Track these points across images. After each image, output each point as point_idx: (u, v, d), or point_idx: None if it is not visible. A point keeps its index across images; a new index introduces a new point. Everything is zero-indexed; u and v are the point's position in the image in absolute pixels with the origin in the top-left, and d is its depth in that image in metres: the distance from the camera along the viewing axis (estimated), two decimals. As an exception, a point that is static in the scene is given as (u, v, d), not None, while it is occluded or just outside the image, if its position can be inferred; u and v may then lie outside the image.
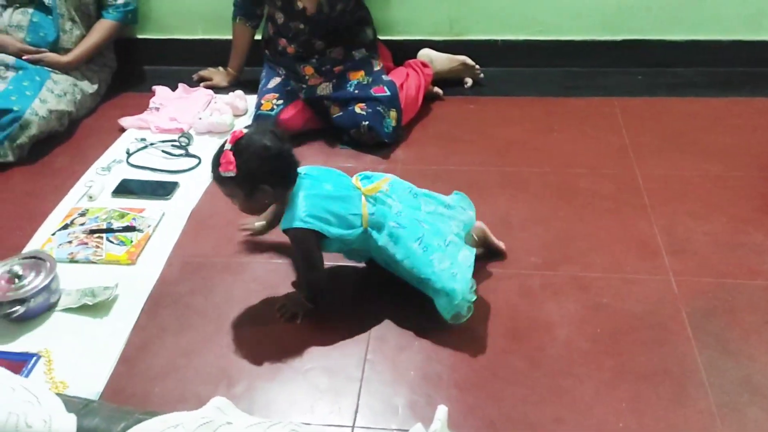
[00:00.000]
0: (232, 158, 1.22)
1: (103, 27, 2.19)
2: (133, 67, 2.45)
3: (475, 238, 1.45)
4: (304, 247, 1.31)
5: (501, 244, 1.49)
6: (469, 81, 2.25)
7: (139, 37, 2.45)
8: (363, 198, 1.32)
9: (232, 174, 1.22)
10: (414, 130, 2.01)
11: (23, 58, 2.03)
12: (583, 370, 1.22)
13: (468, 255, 1.32)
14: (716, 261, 1.45)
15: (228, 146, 1.23)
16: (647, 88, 2.16)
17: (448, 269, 1.27)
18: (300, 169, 1.32)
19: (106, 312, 1.39)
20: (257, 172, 1.24)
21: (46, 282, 1.37)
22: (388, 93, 1.92)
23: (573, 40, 2.26)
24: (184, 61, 2.43)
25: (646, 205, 1.62)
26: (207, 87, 2.27)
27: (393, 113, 1.92)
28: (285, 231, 1.29)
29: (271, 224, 1.50)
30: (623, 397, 1.17)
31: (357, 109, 1.90)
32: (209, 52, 2.40)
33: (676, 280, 1.40)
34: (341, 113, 1.93)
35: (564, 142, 1.91)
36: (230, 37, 2.28)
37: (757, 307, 1.34)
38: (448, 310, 1.28)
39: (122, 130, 2.09)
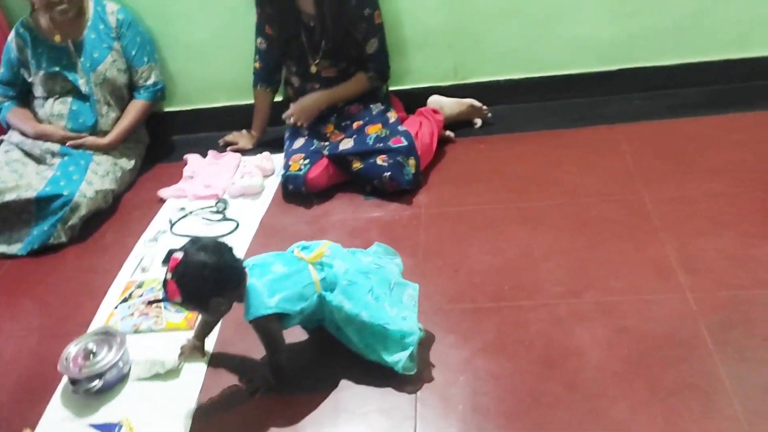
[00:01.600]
0: (175, 287, 1.27)
1: (136, 107, 2.37)
2: (164, 138, 2.62)
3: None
4: (269, 332, 1.38)
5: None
6: (478, 122, 2.39)
7: (167, 110, 2.63)
8: (310, 266, 1.40)
9: (179, 300, 1.29)
10: (432, 174, 2.15)
11: (67, 144, 2.21)
12: (618, 390, 1.33)
13: (412, 293, 1.47)
14: (729, 275, 1.55)
15: (168, 275, 1.28)
16: (646, 112, 2.29)
17: (398, 314, 1.41)
18: (244, 263, 1.39)
19: (176, 376, 1.53)
20: (203, 292, 1.29)
21: (119, 356, 1.50)
22: (406, 143, 2.06)
23: (572, 74, 2.40)
24: (210, 128, 2.62)
25: (657, 228, 1.74)
26: (233, 151, 2.44)
27: (412, 161, 2.06)
28: (251, 321, 1.35)
29: (203, 336, 1.54)
30: (657, 413, 1.27)
31: (378, 161, 2.04)
32: (233, 117, 2.58)
33: (692, 297, 1.51)
34: (363, 166, 2.07)
35: (573, 173, 2.03)
36: (250, 101, 2.46)
37: (771, 315, 1.44)
38: (400, 359, 1.37)
39: (162, 200, 2.25)
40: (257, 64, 2.33)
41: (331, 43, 2.12)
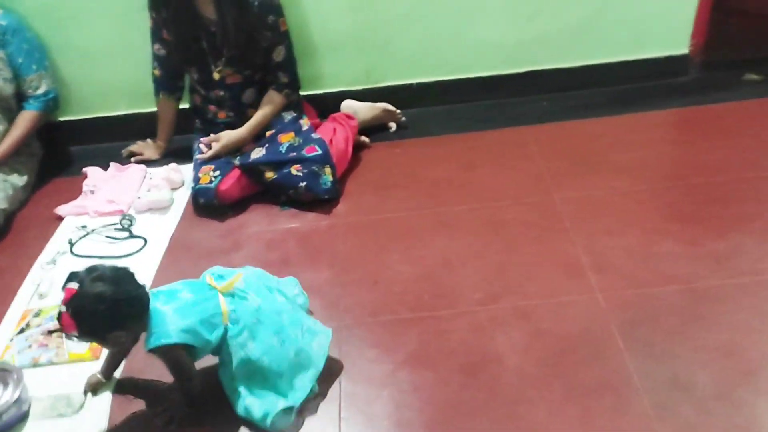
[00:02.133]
0: (70, 320, 1.20)
1: (25, 119, 2.20)
2: (60, 150, 2.45)
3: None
4: (175, 361, 1.29)
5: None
6: (392, 126, 2.39)
7: (62, 119, 2.46)
8: (220, 296, 1.33)
9: (75, 334, 1.22)
10: (348, 182, 2.13)
11: None
12: (535, 393, 1.36)
13: (323, 341, 1.41)
14: (635, 273, 1.63)
15: (62, 308, 1.21)
16: (553, 113, 2.37)
17: (301, 373, 1.36)
18: (151, 291, 1.31)
19: (76, 411, 1.42)
20: (100, 326, 1.23)
21: (17, 395, 1.39)
22: (320, 151, 2.02)
23: (481, 76, 2.44)
24: (111, 138, 2.48)
25: (567, 228, 1.80)
26: (138, 162, 2.31)
27: (328, 169, 2.01)
28: (152, 350, 1.26)
29: (111, 371, 1.47)
30: (573, 413, 1.31)
31: (293, 171, 1.99)
32: (135, 126, 2.45)
33: (602, 296, 1.57)
34: (277, 176, 2.01)
35: (486, 176, 2.07)
36: (154, 108, 2.34)
37: (674, 310, 1.51)
38: (273, 414, 1.30)
39: (60, 218, 2.10)
40: (156, 72, 2.22)
41: (234, 49, 2.05)
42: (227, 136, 2.11)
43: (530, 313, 1.55)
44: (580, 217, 1.83)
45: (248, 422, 1.35)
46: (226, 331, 1.33)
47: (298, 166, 1.99)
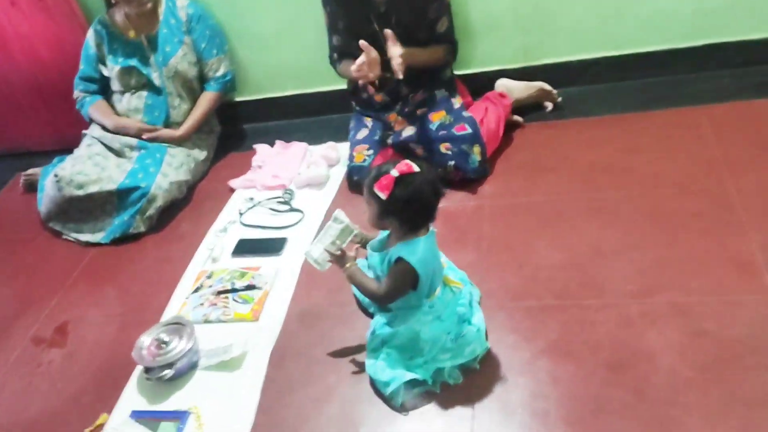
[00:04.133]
0: (391, 184, 1.30)
1: (206, 99, 2.43)
2: (235, 128, 2.68)
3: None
4: (402, 277, 1.37)
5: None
6: (548, 105, 2.30)
7: (238, 99, 2.68)
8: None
9: (382, 196, 1.31)
10: (498, 162, 2.09)
11: (143, 137, 2.30)
12: (690, 399, 1.26)
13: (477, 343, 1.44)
14: (823, 275, 1.43)
15: (394, 173, 1.31)
16: (735, 90, 2.12)
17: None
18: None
19: (239, 367, 1.58)
20: (400, 209, 1.33)
21: (189, 345, 1.57)
22: (470, 130, 2.00)
23: (651, 51, 2.25)
24: (279, 117, 2.66)
25: (742, 221, 1.62)
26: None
27: (477, 149, 2.00)
28: (398, 260, 1.35)
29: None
30: (734, 425, 1.19)
31: (442, 149, 2.00)
32: (301, 106, 2.61)
33: (779, 299, 1.40)
34: (426, 155, 2.03)
35: (650, 160, 1.91)
36: (318, 89, 2.52)
37: None
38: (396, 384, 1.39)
39: (233, 190, 2.31)
40: (336, 59, 2.22)
41: (402, 26, 2.07)
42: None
43: (690, 310, 1.43)
44: (760, 210, 1.64)
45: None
46: (422, 305, 1.42)
47: (448, 144, 1.99)
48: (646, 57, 2.26)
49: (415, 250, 1.35)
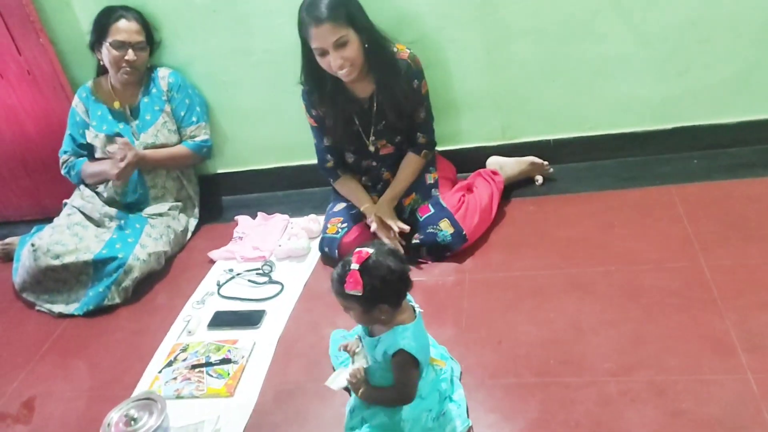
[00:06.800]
0: (359, 278, 1.28)
1: (178, 147, 2.43)
2: (217, 199, 2.70)
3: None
4: (409, 371, 1.36)
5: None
6: (539, 179, 2.34)
7: (220, 171, 2.71)
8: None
9: (357, 293, 1.30)
10: (479, 237, 2.11)
11: (119, 162, 2.25)
12: (671, 482, 1.24)
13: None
14: (796, 354, 1.44)
15: (355, 266, 1.30)
16: (704, 172, 2.19)
17: None
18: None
19: (210, 443, 1.52)
20: (381, 293, 1.31)
21: (159, 422, 1.52)
22: (432, 210, 2.05)
23: (624, 132, 2.34)
24: (261, 189, 2.69)
25: (716, 299, 1.64)
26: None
27: (444, 223, 2.01)
28: (397, 353, 1.34)
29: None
30: None
31: (413, 240, 2.04)
32: (282, 178, 2.65)
33: (754, 378, 1.40)
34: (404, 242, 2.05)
35: (625, 237, 1.95)
36: (299, 162, 2.57)
37: None
38: None
39: (212, 261, 2.30)
40: (330, 164, 2.25)
41: (385, 120, 2.13)
42: (379, 209, 2.11)
43: (668, 389, 1.42)
44: (733, 288, 1.66)
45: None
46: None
47: (416, 233, 2.04)
48: (619, 138, 2.35)
49: (411, 339, 1.35)
